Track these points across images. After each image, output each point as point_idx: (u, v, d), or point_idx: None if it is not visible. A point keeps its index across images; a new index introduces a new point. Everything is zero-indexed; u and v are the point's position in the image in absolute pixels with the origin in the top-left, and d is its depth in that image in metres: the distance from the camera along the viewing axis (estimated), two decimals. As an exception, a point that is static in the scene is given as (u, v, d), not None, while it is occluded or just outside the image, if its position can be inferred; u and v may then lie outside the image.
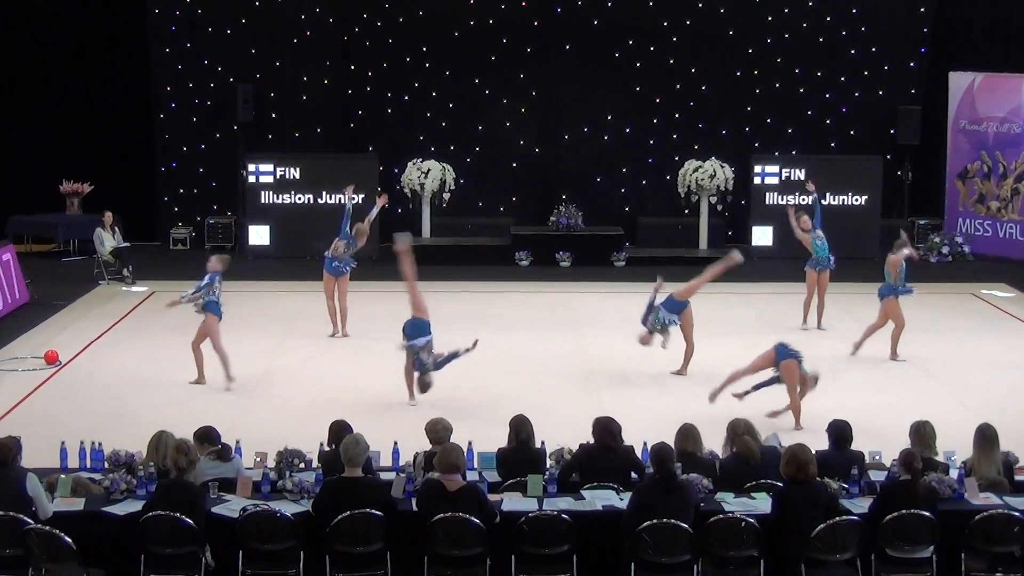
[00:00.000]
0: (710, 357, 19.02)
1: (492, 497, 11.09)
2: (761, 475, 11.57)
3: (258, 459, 12.17)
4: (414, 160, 27.35)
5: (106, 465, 11.94)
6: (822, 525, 10.47)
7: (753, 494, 11.35)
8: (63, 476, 11.49)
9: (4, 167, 27.91)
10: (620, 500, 11.16)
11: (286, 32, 28.15)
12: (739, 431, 12.07)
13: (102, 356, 19.10)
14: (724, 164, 27.14)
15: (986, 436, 11.86)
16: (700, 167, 27.11)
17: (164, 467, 11.37)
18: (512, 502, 11.20)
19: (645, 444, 11.82)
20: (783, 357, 15.53)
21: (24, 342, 19.83)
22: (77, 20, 28.06)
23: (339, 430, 11.79)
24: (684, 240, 27.52)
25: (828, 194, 27.25)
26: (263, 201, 27.22)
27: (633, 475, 11.75)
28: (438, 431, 11.92)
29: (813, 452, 10.95)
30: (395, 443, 12.54)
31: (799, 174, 27.37)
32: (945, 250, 27.17)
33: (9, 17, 27.99)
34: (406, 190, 27.26)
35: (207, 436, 11.87)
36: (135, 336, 20.23)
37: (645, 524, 10.40)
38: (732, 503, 11.17)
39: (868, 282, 23.34)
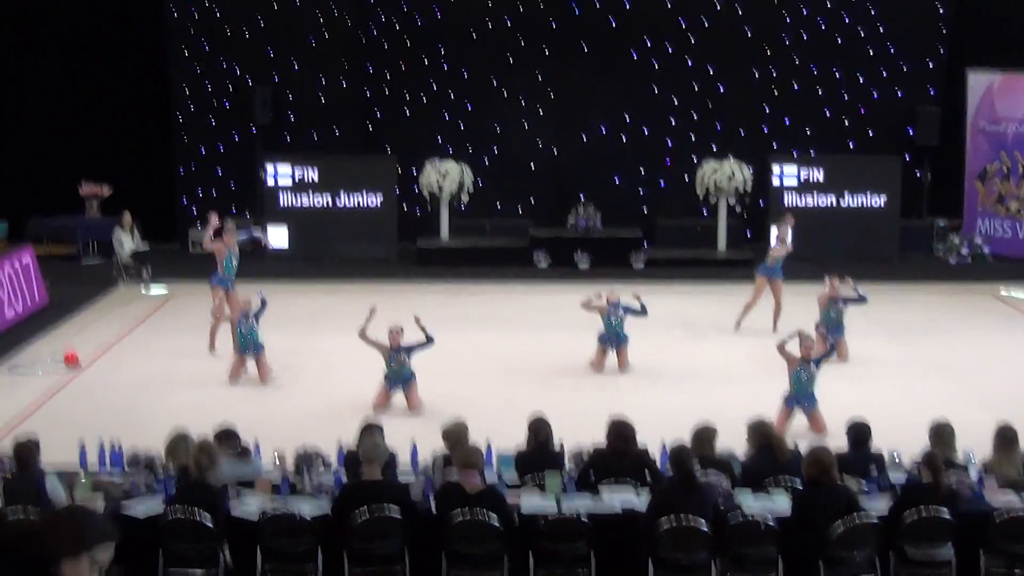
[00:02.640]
0: (725, 355, 19.09)
1: (511, 499, 11.08)
2: (784, 474, 11.54)
3: (277, 460, 12.18)
4: (432, 161, 27.36)
5: (125, 466, 11.99)
6: (841, 525, 10.45)
7: (772, 494, 11.32)
8: (83, 477, 11.53)
9: (23, 169, 28.01)
10: (639, 500, 11.15)
11: (304, 33, 28.19)
12: (764, 430, 12.04)
13: (121, 358, 19.16)
14: (742, 165, 27.09)
15: (1006, 437, 11.85)
16: (718, 168, 27.05)
17: (184, 468, 11.40)
18: (531, 502, 11.18)
19: (664, 445, 11.81)
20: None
21: (44, 344, 19.90)
22: (95, 22, 28.12)
23: (369, 429, 11.77)
24: (702, 241, 27.49)
25: (846, 194, 27.26)
26: (281, 202, 27.26)
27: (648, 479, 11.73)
28: (452, 436, 11.92)
29: (833, 454, 10.95)
30: (413, 444, 12.53)
31: (818, 175, 27.36)
32: (964, 251, 27.10)
33: (28, 19, 28.06)
34: (424, 192, 27.27)
35: (227, 436, 11.88)
36: (154, 338, 20.28)
37: (664, 524, 10.40)
38: (751, 503, 11.15)
39: (887, 282, 23.40)
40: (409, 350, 16.47)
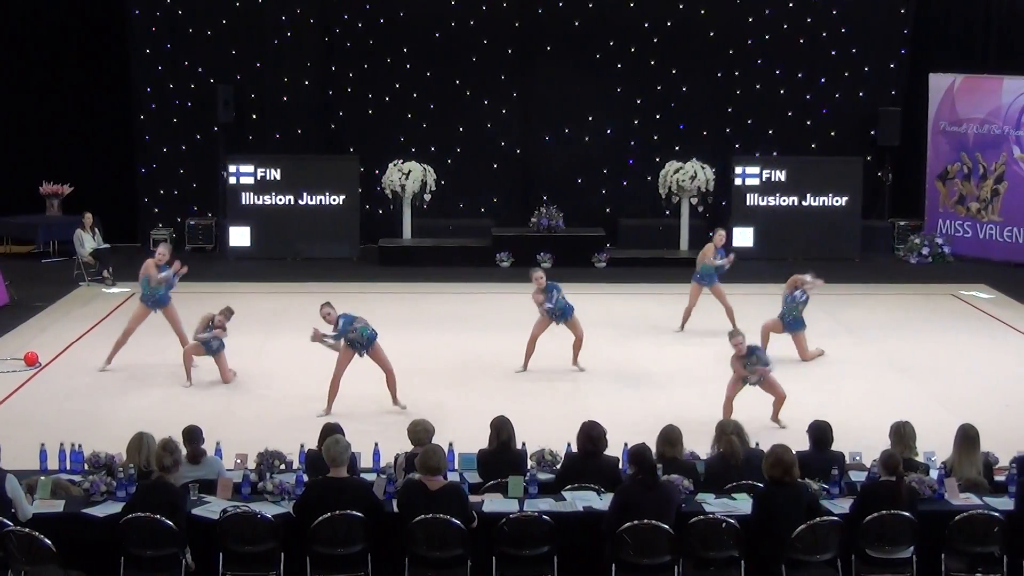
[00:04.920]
0: (687, 356, 19.13)
1: (473, 498, 11.10)
2: (743, 477, 11.58)
3: (239, 460, 12.15)
4: (395, 161, 27.31)
5: (86, 467, 11.93)
6: (802, 526, 10.48)
7: (734, 495, 11.37)
8: (43, 478, 11.47)
9: (-16, 168, 27.87)
10: (601, 501, 11.16)
11: (267, 33, 28.10)
12: (727, 431, 12.09)
13: (82, 358, 19.05)
14: (705, 165, 27.15)
15: (968, 436, 11.89)
16: (681, 168, 27.11)
17: (144, 468, 11.36)
18: (493, 503, 11.20)
19: (626, 445, 11.82)
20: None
21: (4, 344, 19.78)
22: (57, 20, 27.97)
23: (331, 432, 11.75)
24: (665, 241, 27.56)
25: (808, 194, 27.38)
26: (244, 202, 27.17)
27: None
28: (419, 432, 11.95)
29: (794, 453, 10.97)
30: (375, 444, 12.55)
31: (780, 175, 27.46)
32: (925, 251, 27.22)
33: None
34: (387, 191, 27.23)
35: (191, 436, 11.82)
36: (115, 338, 20.14)
37: (626, 525, 10.41)
38: (713, 504, 11.18)
39: (848, 282, 23.50)
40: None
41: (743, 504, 11.11)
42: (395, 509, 10.92)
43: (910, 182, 28.60)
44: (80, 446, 12.35)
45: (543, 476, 11.82)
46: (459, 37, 28.20)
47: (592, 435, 11.75)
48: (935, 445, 12.41)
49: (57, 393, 17.23)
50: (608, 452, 11.91)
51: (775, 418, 15.68)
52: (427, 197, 27.24)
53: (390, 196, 27.32)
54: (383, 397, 16.42)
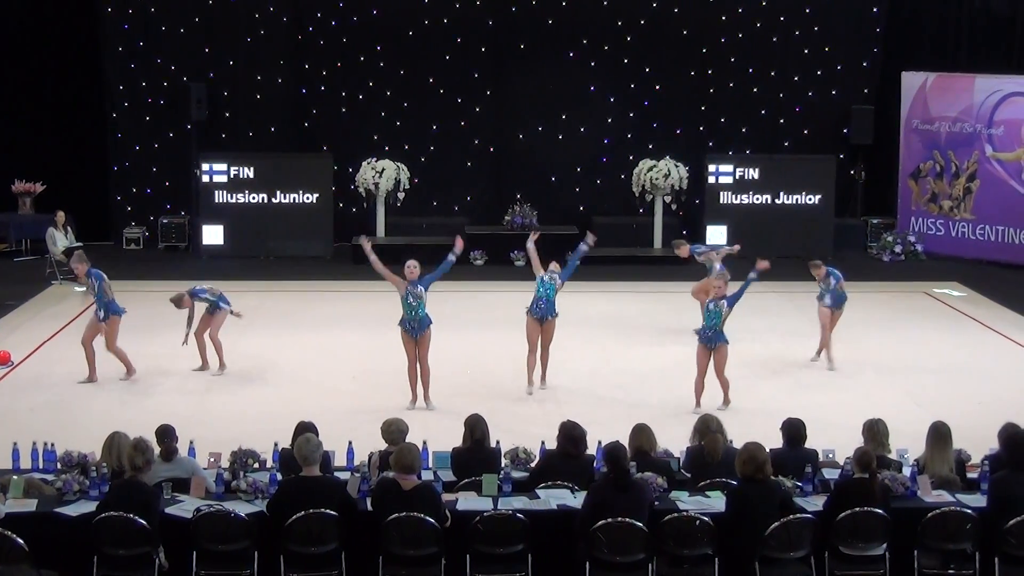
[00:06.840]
0: (661, 354, 19.13)
1: (446, 496, 11.09)
2: (719, 474, 11.58)
3: (212, 459, 12.12)
4: (368, 159, 27.29)
5: (59, 466, 11.89)
6: (776, 523, 10.50)
7: (707, 492, 11.38)
8: (15, 477, 11.41)
9: (-45, 167, 27.73)
10: (574, 499, 11.17)
11: (240, 31, 28.03)
12: (711, 427, 12.09)
13: (54, 356, 18.99)
14: (678, 163, 27.20)
15: (940, 434, 11.93)
16: (654, 166, 27.16)
17: (118, 468, 11.32)
18: (467, 501, 11.19)
19: (600, 443, 11.82)
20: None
21: (-25, 343, 19.71)
22: (29, 18, 27.85)
23: (304, 430, 11.73)
24: (638, 239, 27.59)
25: (782, 193, 27.45)
26: (217, 200, 27.11)
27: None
28: (393, 431, 11.93)
29: (768, 450, 10.99)
30: (349, 443, 12.53)
31: (753, 174, 27.53)
32: (898, 249, 27.32)
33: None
34: (360, 189, 27.21)
35: (165, 434, 11.78)
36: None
37: (600, 523, 10.42)
38: (686, 501, 11.19)
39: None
40: (426, 282, 16.69)
41: (717, 502, 11.12)
42: (369, 508, 10.91)
43: (883, 180, 28.70)
44: (53, 445, 12.29)
45: (517, 474, 11.81)
46: (432, 35, 28.18)
47: (573, 435, 11.73)
48: (908, 442, 12.44)
49: (29, 392, 17.16)
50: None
51: None
52: (400, 195, 27.24)
53: (363, 194, 27.30)
54: (357, 395, 16.41)
